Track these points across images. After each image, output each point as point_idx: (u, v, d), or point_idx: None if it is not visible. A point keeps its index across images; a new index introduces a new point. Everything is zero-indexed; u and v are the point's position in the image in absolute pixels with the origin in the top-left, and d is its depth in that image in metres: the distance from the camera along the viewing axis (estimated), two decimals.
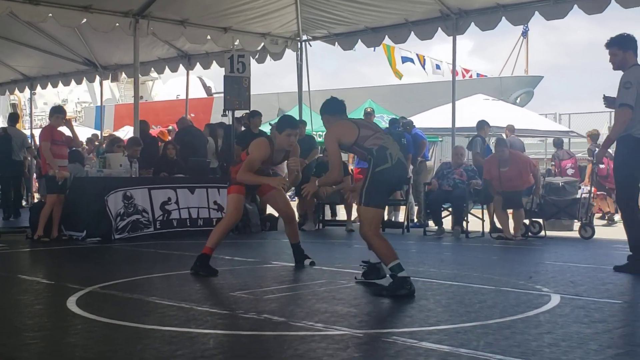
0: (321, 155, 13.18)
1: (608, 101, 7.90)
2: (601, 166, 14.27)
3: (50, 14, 12.36)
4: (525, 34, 39.89)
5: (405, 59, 25.73)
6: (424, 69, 26.81)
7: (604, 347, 4.18)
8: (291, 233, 7.73)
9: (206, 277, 6.89)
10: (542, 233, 11.97)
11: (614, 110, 7.91)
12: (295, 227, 7.77)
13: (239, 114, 13.53)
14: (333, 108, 6.52)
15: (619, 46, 7.57)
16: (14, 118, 16.59)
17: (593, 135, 16.30)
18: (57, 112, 11.09)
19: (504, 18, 12.37)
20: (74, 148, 12.34)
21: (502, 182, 11.25)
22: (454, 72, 15.16)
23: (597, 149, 14.87)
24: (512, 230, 11.17)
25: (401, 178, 6.31)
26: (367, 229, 5.96)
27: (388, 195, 6.42)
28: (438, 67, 27.65)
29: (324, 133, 6.84)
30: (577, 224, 12.17)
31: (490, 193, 11.49)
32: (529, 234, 11.82)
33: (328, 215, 14.24)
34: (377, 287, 6.11)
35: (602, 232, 12.10)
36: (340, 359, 3.98)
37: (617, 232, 12.77)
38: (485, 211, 12.29)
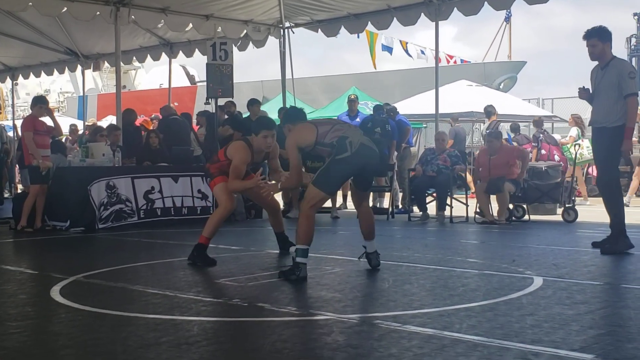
0: None
1: (585, 94, 7.93)
2: (542, 152, 14.54)
3: (31, 3, 12.27)
4: (508, 19, 40.04)
5: (384, 47, 25.80)
6: (408, 54, 26.87)
7: (585, 328, 4.22)
8: (276, 223, 7.73)
9: (204, 267, 6.87)
10: (526, 217, 12.03)
11: (585, 101, 8.04)
12: (280, 218, 7.77)
13: (222, 102, 13.51)
14: (293, 117, 6.72)
15: (598, 37, 7.66)
16: None
17: (537, 122, 16.52)
18: (39, 102, 11.08)
19: (486, 3, 12.39)
20: (56, 138, 12.29)
21: (490, 170, 11.46)
22: (437, 58, 15.16)
23: (541, 135, 15.23)
24: (496, 215, 11.28)
25: (366, 164, 6.21)
26: (305, 205, 6.10)
27: (342, 183, 6.50)
28: (423, 52, 27.73)
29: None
30: (560, 208, 12.25)
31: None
32: (513, 218, 11.89)
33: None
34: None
35: (584, 215, 12.17)
36: (324, 344, 4.00)
37: (600, 215, 12.85)
38: (470, 197, 12.35)
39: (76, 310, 4.93)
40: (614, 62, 7.69)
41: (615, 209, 7.66)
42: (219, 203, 7.34)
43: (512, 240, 9.36)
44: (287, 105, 15.08)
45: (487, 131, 14.11)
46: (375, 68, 28.36)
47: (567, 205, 11.84)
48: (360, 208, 6.58)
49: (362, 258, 6.58)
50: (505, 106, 21.29)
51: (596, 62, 7.82)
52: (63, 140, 19.01)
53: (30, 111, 11.31)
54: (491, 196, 11.46)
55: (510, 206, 11.84)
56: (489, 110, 15.96)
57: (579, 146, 15.18)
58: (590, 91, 7.87)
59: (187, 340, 4.00)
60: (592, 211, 13.33)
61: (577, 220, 11.59)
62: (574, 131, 17.04)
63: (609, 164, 7.78)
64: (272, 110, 18.95)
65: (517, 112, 21.06)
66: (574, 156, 13.73)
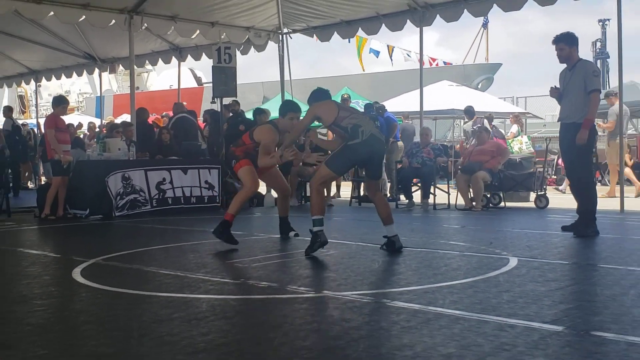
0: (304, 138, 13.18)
1: (555, 92, 7.93)
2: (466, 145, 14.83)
3: (52, 12, 12.24)
4: (485, 25, 40.02)
5: (372, 51, 25.86)
6: (391, 59, 26.95)
7: (556, 303, 4.23)
8: (283, 207, 7.75)
9: (226, 243, 6.93)
10: (502, 204, 12.06)
11: (555, 99, 8.06)
12: (287, 204, 7.78)
13: (226, 101, 13.50)
14: (319, 96, 6.65)
15: (566, 42, 7.73)
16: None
17: (488, 117, 16.70)
18: (61, 102, 11.15)
19: (465, 10, 12.38)
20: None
21: (472, 154, 11.78)
22: (422, 61, 15.18)
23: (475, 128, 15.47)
24: (474, 203, 11.35)
25: (373, 152, 6.26)
26: (315, 181, 6.25)
27: (350, 166, 6.66)
28: (409, 55, 27.75)
29: None
30: (533, 195, 12.28)
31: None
32: (490, 205, 11.93)
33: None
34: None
35: (555, 202, 12.19)
36: (320, 318, 4.01)
37: (569, 202, 12.88)
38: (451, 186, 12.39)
39: (95, 289, 4.93)
40: (580, 63, 7.74)
41: (588, 198, 7.67)
42: (244, 184, 7.33)
43: (489, 224, 9.38)
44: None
45: (477, 126, 14.21)
46: (364, 70, 28.35)
47: (539, 193, 11.88)
48: (375, 197, 6.54)
49: (383, 247, 6.47)
50: (483, 104, 21.33)
51: (564, 65, 7.85)
52: (81, 136, 19.04)
53: (53, 110, 11.30)
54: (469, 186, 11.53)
55: (488, 194, 11.89)
56: (469, 110, 16.02)
57: (519, 141, 15.43)
58: (560, 91, 7.89)
59: (196, 316, 4.00)
60: (562, 198, 13.38)
61: (548, 206, 11.62)
62: (515, 128, 17.27)
63: (582, 156, 7.73)
64: (272, 108, 18.92)
65: (494, 109, 21.07)
66: (513, 150, 14.11)
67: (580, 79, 7.63)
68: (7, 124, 16.94)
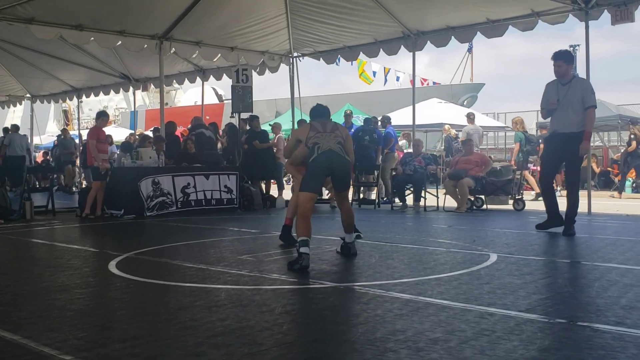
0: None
1: (555, 105, 7.54)
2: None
3: (92, 38, 12.29)
4: (470, 49, 39.97)
5: (374, 73, 26.02)
6: (386, 78, 27.06)
7: (530, 294, 4.22)
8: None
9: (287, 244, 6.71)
10: (484, 207, 12.03)
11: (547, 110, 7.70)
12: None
13: (244, 116, 13.52)
14: (313, 113, 6.38)
15: (565, 60, 7.51)
16: (15, 127, 17.77)
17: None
18: (104, 116, 11.28)
19: (453, 37, 12.38)
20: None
21: (458, 163, 11.82)
22: (414, 81, 15.18)
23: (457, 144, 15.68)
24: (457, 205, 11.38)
25: (333, 166, 5.80)
26: (300, 210, 5.65)
27: (319, 179, 5.87)
28: (398, 78, 27.90)
29: None
30: (511, 199, 12.26)
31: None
32: (474, 207, 11.90)
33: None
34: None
35: (530, 205, 12.16)
36: (324, 306, 4.01)
37: (542, 205, 12.82)
38: (440, 190, 12.38)
39: (128, 280, 4.94)
40: (577, 80, 7.52)
41: (577, 200, 7.59)
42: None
43: (473, 224, 9.36)
44: (296, 118, 15.15)
45: (466, 139, 14.29)
46: (370, 84, 28.16)
47: (516, 197, 11.85)
48: (341, 207, 6.18)
49: (338, 250, 6.20)
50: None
51: (553, 77, 7.60)
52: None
53: (95, 123, 11.36)
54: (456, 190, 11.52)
55: (472, 198, 11.87)
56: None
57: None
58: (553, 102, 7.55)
59: (216, 303, 4.02)
60: (537, 201, 13.33)
61: (525, 209, 11.59)
62: (404, 143, 17.63)
63: (575, 163, 7.57)
64: (284, 121, 18.95)
65: (479, 124, 21.06)
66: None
67: (579, 95, 7.38)
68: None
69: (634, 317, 3.57)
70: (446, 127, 18.02)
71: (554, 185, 8.20)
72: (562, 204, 7.73)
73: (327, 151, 5.82)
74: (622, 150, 18.44)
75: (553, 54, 7.60)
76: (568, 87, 7.46)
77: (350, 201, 6.77)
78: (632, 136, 16.53)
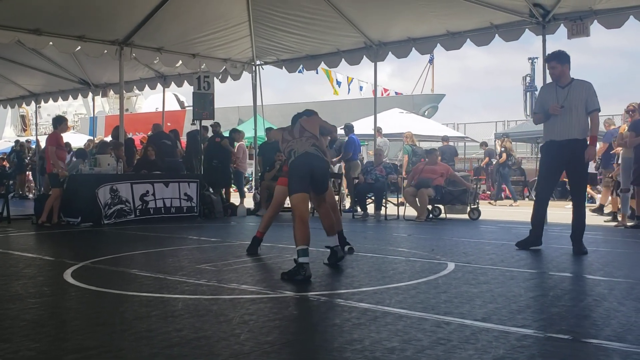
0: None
1: (558, 111, 6.91)
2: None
3: (51, 42, 12.08)
4: (431, 60, 40.58)
5: (338, 82, 26.15)
6: (349, 87, 27.24)
7: (486, 303, 4.27)
8: (337, 222, 6.53)
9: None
10: (443, 215, 12.17)
11: (542, 116, 7.11)
12: (337, 216, 6.69)
13: (206, 123, 13.44)
14: (292, 119, 6.32)
15: (557, 60, 6.92)
16: None
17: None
18: (62, 122, 11.04)
19: (414, 48, 12.53)
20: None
21: (422, 172, 11.98)
22: (376, 91, 15.31)
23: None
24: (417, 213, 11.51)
25: (312, 166, 5.72)
26: (296, 214, 5.56)
27: (302, 179, 5.70)
28: (361, 88, 28.08)
29: None
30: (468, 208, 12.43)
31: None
32: (432, 216, 12.03)
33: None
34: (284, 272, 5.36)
35: (486, 214, 12.34)
36: (282, 316, 3.99)
37: (498, 213, 13.07)
38: (401, 199, 12.49)
39: (84, 289, 4.84)
40: (577, 82, 6.92)
41: (584, 215, 7.03)
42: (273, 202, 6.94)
43: (432, 233, 9.45)
44: (258, 126, 15.15)
45: (430, 148, 14.70)
46: (338, 95, 28.06)
47: (472, 207, 12.02)
48: (319, 210, 6.19)
49: (325, 262, 6.07)
50: (429, 129, 21.57)
51: (549, 81, 7.21)
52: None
53: (54, 129, 11.11)
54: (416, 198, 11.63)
55: (430, 207, 12.00)
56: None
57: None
58: (548, 106, 6.98)
59: (172, 313, 3.96)
60: (494, 210, 13.54)
61: (480, 218, 11.76)
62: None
63: (581, 172, 7.05)
64: (247, 129, 18.88)
65: (438, 134, 21.37)
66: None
67: (582, 98, 6.84)
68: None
69: (585, 326, 3.64)
70: (407, 134, 18.09)
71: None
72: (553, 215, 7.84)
73: (304, 154, 5.78)
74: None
75: (546, 56, 7.13)
76: (568, 90, 6.90)
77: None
78: (502, 149, 18.25)
